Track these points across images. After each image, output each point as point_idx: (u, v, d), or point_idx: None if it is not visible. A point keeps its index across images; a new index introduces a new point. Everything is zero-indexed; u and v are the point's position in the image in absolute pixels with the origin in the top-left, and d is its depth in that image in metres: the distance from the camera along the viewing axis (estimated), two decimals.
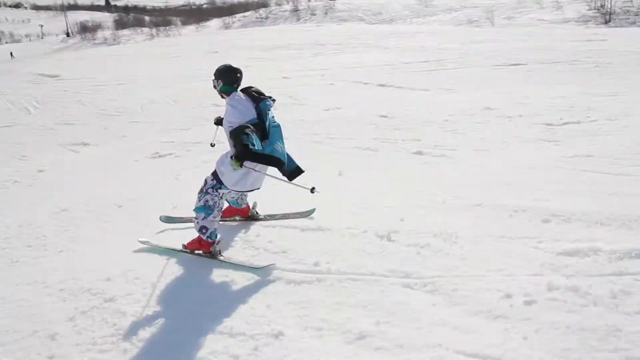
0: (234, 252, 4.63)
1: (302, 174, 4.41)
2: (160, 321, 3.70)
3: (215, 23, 71.24)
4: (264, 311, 3.62)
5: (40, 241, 5.79)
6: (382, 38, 20.97)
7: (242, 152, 4.16)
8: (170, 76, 16.99)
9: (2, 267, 5.23)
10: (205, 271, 4.35)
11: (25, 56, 57.21)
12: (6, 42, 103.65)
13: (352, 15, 55.75)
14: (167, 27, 75.07)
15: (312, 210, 5.12)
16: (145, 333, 3.58)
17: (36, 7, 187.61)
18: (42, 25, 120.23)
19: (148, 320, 3.73)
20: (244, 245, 4.71)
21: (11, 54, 59.69)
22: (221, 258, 4.54)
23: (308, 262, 4.19)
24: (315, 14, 60.13)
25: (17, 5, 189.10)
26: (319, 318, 3.42)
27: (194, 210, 4.61)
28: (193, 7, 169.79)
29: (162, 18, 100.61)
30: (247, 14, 71.96)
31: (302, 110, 10.47)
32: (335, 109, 10.13)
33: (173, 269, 4.50)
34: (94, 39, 72.24)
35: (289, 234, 4.82)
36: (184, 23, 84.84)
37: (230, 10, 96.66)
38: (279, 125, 4.52)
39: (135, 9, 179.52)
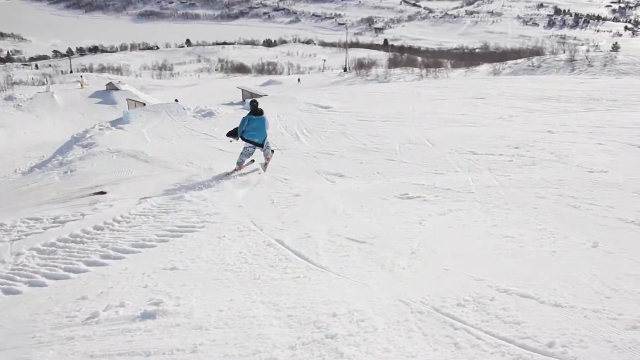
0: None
1: None
2: None
3: (484, 68, 70.86)
4: None
5: (282, 263, 6.22)
6: None
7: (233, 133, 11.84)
8: (431, 118, 17.19)
9: (245, 282, 5.70)
10: (428, 333, 4.24)
11: (306, 86, 63.41)
12: (292, 73, 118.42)
13: (636, 69, 50.89)
14: (437, 69, 76.84)
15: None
16: None
17: (323, 44, 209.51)
18: (325, 60, 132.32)
19: None
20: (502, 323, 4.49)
21: (298, 79, 71.81)
22: (233, 173, 11.12)
23: (541, 341, 3.85)
24: (592, 65, 56.20)
25: (308, 42, 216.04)
26: None
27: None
28: (465, 50, 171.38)
29: (433, 59, 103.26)
30: (519, 61, 70.20)
31: (563, 169, 9.74)
32: (601, 172, 9.23)
33: (400, 318, 4.47)
34: (367, 75, 77.05)
35: (525, 305, 4.49)
36: (454, 66, 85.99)
37: (501, 56, 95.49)
38: (259, 120, 11.38)
39: (410, 49, 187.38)
